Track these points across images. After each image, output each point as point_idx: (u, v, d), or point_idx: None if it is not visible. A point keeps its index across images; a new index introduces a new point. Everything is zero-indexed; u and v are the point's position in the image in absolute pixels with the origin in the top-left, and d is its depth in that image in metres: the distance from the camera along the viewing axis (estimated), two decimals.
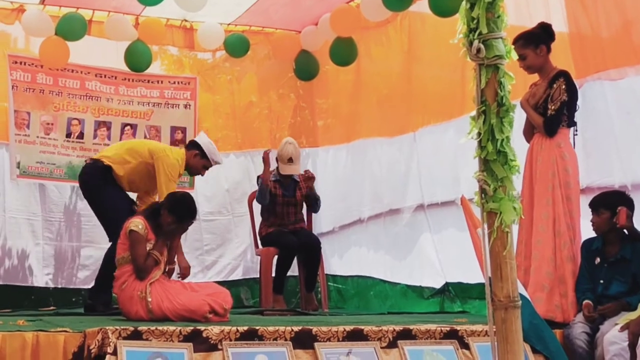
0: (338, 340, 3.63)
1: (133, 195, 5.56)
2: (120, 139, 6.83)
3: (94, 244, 6.75)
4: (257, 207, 6.51)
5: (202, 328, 3.48)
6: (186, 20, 7.09)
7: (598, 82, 4.73)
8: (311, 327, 3.64)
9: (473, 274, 5.02)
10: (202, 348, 3.40)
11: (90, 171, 5.37)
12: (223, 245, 7.30)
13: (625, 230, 4.19)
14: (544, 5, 5.03)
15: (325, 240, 6.78)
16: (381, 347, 3.66)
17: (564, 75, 4.49)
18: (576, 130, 4.56)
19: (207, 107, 7.35)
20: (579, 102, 4.57)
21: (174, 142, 6.99)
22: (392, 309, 6.28)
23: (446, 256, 6.04)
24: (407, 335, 3.77)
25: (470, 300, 5.76)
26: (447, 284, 6.02)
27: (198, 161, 5.53)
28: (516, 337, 2.31)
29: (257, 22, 7.20)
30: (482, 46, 2.29)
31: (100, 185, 5.28)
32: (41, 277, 6.69)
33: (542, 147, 4.52)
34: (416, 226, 6.36)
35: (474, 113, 2.37)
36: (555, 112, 4.46)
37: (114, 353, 3.22)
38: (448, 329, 3.86)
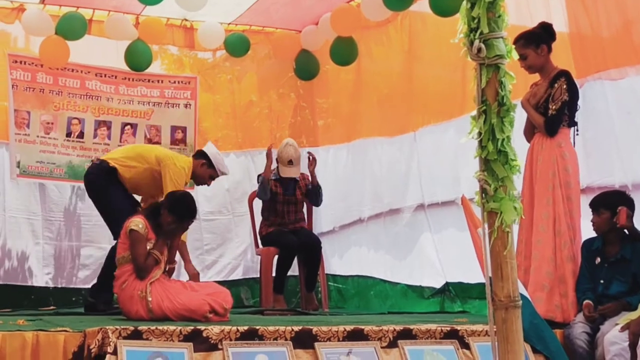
0: (338, 340, 3.63)
1: (138, 198, 5.57)
2: (121, 139, 6.84)
3: (94, 243, 6.76)
4: (257, 206, 6.52)
5: (203, 328, 3.48)
6: (186, 20, 7.09)
7: (598, 81, 4.73)
8: (311, 327, 3.64)
9: (473, 273, 5.02)
10: (203, 348, 3.40)
11: (96, 171, 5.40)
12: (223, 245, 7.30)
13: (625, 230, 4.19)
14: (544, 5, 5.03)
15: (325, 240, 6.78)
16: (381, 347, 3.66)
17: (565, 75, 4.49)
18: (577, 130, 4.55)
19: (207, 106, 7.35)
20: (579, 102, 4.57)
21: (174, 142, 6.99)
22: (392, 309, 6.28)
23: (446, 256, 6.04)
24: (407, 335, 3.77)
25: (471, 300, 5.76)
26: (447, 284, 6.01)
27: (205, 171, 5.57)
28: (517, 337, 2.31)
29: (257, 22, 7.19)
30: (482, 46, 2.29)
31: (105, 185, 5.31)
32: (41, 277, 6.69)
33: (542, 146, 4.52)
34: (416, 226, 6.36)
35: (474, 113, 2.37)
36: (556, 112, 4.46)
37: (114, 353, 3.22)
38: (448, 328, 3.86)
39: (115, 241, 5.11)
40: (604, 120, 4.70)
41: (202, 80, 7.28)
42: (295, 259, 6.29)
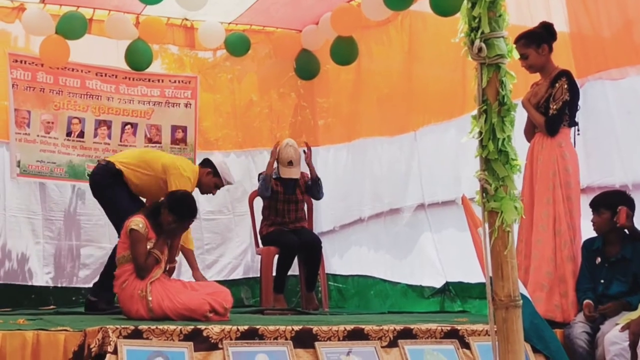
0: (338, 340, 3.63)
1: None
2: (121, 138, 6.84)
3: (95, 243, 6.76)
4: (257, 206, 6.52)
5: (203, 327, 3.48)
6: (187, 19, 7.09)
7: (599, 81, 4.73)
8: (312, 327, 3.64)
9: (473, 273, 5.02)
10: (203, 347, 3.39)
11: (102, 172, 5.41)
12: (224, 245, 7.30)
13: (625, 230, 4.19)
14: (545, 4, 5.03)
15: (325, 240, 6.78)
16: (382, 347, 3.66)
17: (566, 74, 4.49)
18: (578, 130, 4.55)
19: (207, 106, 7.35)
20: (579, 102, 4.57)
21: (174, 141, 7.00)
22: (392, 309, 6.28)
23: (447, 256, 6.04)
24: (407, 334, 3.76)
25: (471, 300, 5.76)
26: (447, 284, 6.01)
27: (210, 179, 5.60)
28: (517, 336, 2.30)
29: (257, 21, 7.19)
30: (483, 45, 2.28)
31: (111, 185, 5.33)
32: (41, 276, 6.69)
33: (542, 146, 4.52)
34: (417, 225, 6.35)
35: (475, 112, 2.36)
36: (557, 112, 4.45)
37: (115, 352, 3.22)
38: (449, 328, 3.86)
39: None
40: (604, 120, 4.70)
41: (203, 79, 7.28)
42: (296, 258, 6.29)
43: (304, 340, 3.57)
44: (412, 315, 5.39)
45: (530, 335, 3.79)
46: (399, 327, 3.77)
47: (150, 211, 4.62)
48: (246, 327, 3.53)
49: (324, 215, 7.27)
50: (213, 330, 3.45)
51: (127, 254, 4.45)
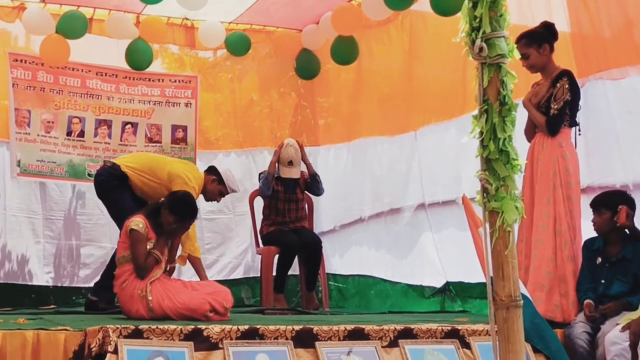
0: (339, 340, 3.63)
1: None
2: (121, 138, 6.84)
3: (95, 242, 6.76)
4: (258, 206, 6.51)
5: (203, 327, 3.47)
6: (187, 19, 7.09)
7: (600, 81, 4.73)
8: (312, 326, 3.63)
9: (474, 273, 5.01)
10: (203, 347, 3.39)
11: (107, 174, 5.42)
12: (224, 244, 7.30)
13: (626, 230, 4.19)
14: (546, 4, 5.03)
15: (326, 239, 6.78)
16: (382, 347, 3.66)
17: (568, 74, 4.48)
18: (579, 130, 4.55)
19: (208, 105, 7.35)
20: (580, 102, 4.57)
21: (174, 141, 6.99)
22: (392, 308, 6.28)
23: (447, 255, 6.03)
24: (408, 334, 3.76)
25: (471, 300, 5.76)
26: (447, 283, 6.01)
27: (215, 187, 5.62)
28: (518, 336, 2.30)
29: (258, 21, 7.19)
30: (484, 45, 2.28)
31: (116, 186, 5.34)
32: (42, 276, 6.68)
33: (543, 146, 4.52)
34: (417, 225, 6.35)
35: (476, 112, 2.36)
36: (558, 112, 4.45)
37: (115, 352, 3.22)
38: (449, 328, 3.86)
39: None
40: (605, 119, 4.70)
41: (203, 79, 7.27)
42: (296, 258, 6.29)
43: (305, 340, 3.57)
44: (412, 315, 5.39)
45: (530, 335, 3.79)
46: (399, 327, 3.77)
47: (151, 211, 4.62)
48: (246, 327, 3.52)
49: (324, 215, 7.27)
50: (213, 330, 3.45)
51: (127, 254, 4.45)
